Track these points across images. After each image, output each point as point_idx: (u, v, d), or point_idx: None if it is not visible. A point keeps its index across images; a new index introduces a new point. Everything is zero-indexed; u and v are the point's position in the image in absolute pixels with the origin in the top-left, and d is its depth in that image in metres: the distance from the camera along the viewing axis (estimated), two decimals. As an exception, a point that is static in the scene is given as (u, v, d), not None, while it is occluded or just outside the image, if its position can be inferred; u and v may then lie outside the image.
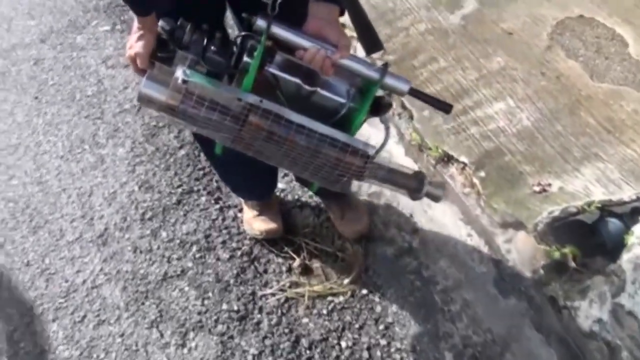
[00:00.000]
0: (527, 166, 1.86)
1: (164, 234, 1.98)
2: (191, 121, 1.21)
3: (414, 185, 1.38)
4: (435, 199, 1.41)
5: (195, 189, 2.10)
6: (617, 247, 1.70)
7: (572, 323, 1.61)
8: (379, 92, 1.29)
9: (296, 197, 2.03)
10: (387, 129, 1.31)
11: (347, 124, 1.30)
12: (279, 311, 1.74)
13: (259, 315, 1.73)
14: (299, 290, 1.76)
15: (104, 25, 2.99)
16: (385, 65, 1.26)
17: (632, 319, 1.57)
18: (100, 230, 2.02)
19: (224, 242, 1.92)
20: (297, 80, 1.26)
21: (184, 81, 1.18)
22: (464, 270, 1.73)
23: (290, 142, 1.22)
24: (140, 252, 1.94)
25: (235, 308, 1.76)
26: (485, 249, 1.75)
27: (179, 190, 2.10)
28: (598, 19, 2.49)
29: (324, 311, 1.72)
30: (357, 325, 1.69)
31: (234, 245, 1.91)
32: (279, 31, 1.19)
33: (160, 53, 1.30)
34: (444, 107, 1.31)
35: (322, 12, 1.24)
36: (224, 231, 1.95)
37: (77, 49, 2.87)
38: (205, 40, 1.22)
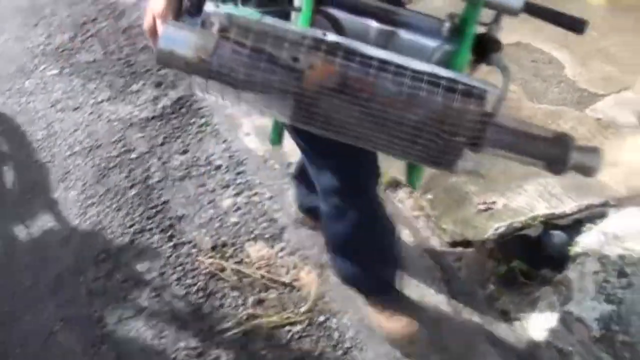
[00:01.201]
0: (472, 186, 1.92)
1: (118, 275, 1.96)
2: (230, 78, 0.88)
3: (556, 152, 0.93)
4: (587, 171, 0.94)
5: (148, 227, 2.08)
6: (562, 258, 1.76)
7: (525, 334, 1.66)
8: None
9: (250, 229, 2.04)
10: (504, 69, 0.93)
11: None
12: (238, 345, 1.72)
13: (217, 351, 1.72)
14: (257, 322, 1.76)
15: (52, 69, 2.98)
16: None
17: (581, 325, 1.62)
18: (54, 275, 1.98)
19: (178, 279, 1.90)
20: (369, 22, 0.93)
21: (218, 21, 0.87)
22: (417, 290, 1.75)
23: (371, 88, 0.85)
24: (95, 294, 1.91)
25: (193, 345, 1.74)
26: (436, 269, 1.79)
27: (132, 229, 2.08)
28: (535, 44, 2.61)
29: (283, 341, 1.72)
30: (316, 353, 1.69)
31: (189, 281, 1.89)
32: None
33: (185, 16, 1.07)
34: (577, 24, 0.95)
35: None
36: (179, 268, 1.93)
37: (26, 94, 2.85)
38: None
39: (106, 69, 2.88)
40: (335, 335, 1.72)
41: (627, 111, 2.27)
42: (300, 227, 1.97)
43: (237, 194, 2.17)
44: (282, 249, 1.95)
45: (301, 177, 1.73)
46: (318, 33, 0.86)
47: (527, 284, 1.74)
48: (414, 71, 0.85)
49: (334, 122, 0.90)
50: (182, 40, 0.88)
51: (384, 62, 0.85)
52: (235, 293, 1.84)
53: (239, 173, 2.25)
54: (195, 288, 1.87)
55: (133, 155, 2.38)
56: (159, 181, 2.25)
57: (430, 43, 0.93)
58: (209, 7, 0.88)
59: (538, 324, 1.67)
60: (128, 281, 1.93)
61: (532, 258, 1.77)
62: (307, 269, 1.87)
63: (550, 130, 0.96)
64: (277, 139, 1.10)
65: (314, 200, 1.74)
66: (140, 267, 1.96)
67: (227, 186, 2.20)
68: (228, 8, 0.88)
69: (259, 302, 1.81)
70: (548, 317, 1.67)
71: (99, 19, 3.22)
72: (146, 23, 1.09)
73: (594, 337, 1.58)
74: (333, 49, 0.85)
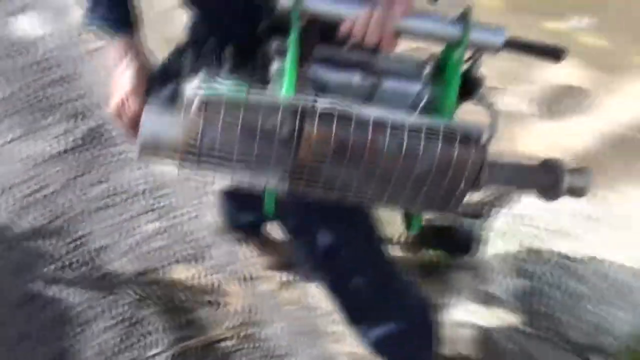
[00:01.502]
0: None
1: (42, 315, 1.89)
2: (223, 159, 0.84)
3: (550, 180, 0.97)
4: (580, 192, 0.97)
5: (69, 263, 2.02)
6: (476, 242, 1.84)
7: (448, 318, 1.71)
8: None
9: (174, 251, 2.02)
10: (490, 106, 0.94)
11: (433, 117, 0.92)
12: (169, 369, 1.71)
13: (149, 379, 1.69)
14: (186, 344, 1.74)
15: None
16: (467, 12, 0.90)
17: (500, 302, 1.69)
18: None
19: (103, 311, 1.86)
20: (351, 75, 0.92)
21: (201, 103, 0.81)
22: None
23: (371, 150, 0.84)
24: (21, 338, 1.84)
25: (124, 376, 1.71)
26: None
27: (52, 267, 2.02)
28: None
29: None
30: (250, 366, 1.69)
31: (114, 312, 1.85)
32: (311, 2, 0.85)
33: (157, 94, 0.98)
34: (557, 53, 0.97)
35: None
36: (102, 300, 1.89)
37: None
38: (214, 58, 0.91)
39: (14, 107, 2.79)
40: (267, 345, 1.72)
41: (527, 101, 2.41)
42: (224, 243, 1.97)
43: (159, 218, 2.14)
44: (206, 268, 1.94)
45: (230, 193, 1.73)
46: (309, 100, 0.83)
47: (446, 271, 1.80)
48: (411, 125, 0.85)
49: (335, 187, 0.88)
50: (166, 126, 0.83)
51: (379, 122, 0.84)
52: (163, 317, 1.82)
53: (159, 196, 2.22)
54: (121, 318, 1.83)
55: (49, 191, 2.32)
56: (78, 214, 2.20)
57: (414, 88, 0.94)
58: (190, 89, 0.83)
59: (460, 307, 1.73)
60: (53, 321, 1.87)
61: (448, 246, 1.84)
62: (233, 284, 1.87)
63: (540, 159, 1.00)
64: (272, 210, 1.02)
65: (242, 217, 1.75)
66: (64, 304, 1.91)
67: (149, 211, 2.17)
68: (210, 87, 0.84)
69: (188, 323, 1.79)
70: (469, 299, 1.73)
71: (1, 56, 3.12)
72: (113, 103, 0.98)
73: (513, 312, 1.66)
74: (327, 115, 0.83)
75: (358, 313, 1.33)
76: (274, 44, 0.90)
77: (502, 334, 1.63)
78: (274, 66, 0.90)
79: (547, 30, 2.82)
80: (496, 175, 0.92)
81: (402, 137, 0.83)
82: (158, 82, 0.96)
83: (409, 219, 1.06)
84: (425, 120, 0.86)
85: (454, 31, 0.89)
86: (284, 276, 1.88)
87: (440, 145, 0.84)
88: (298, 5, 0.84)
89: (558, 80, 2.55)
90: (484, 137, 0.87)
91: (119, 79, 0.96)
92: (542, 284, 1.70)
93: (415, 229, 1.04)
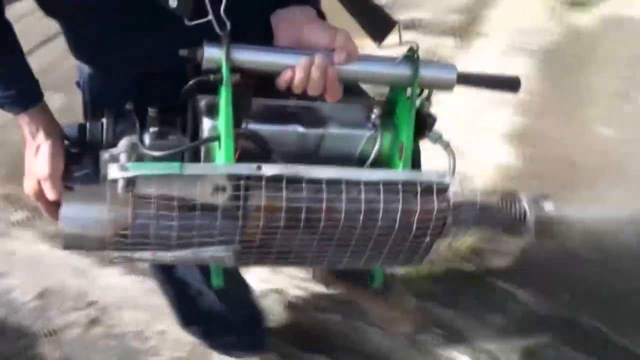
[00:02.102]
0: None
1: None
2: (160, 243, 0.73)
3: (518, 219, 0.94)
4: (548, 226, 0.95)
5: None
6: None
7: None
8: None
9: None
10: (447, 146, 0.86)
11: (386, 165, 0.86)
12: None
13: None
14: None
15: None
16: (413, 49, 0.82)
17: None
18: None
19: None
20: (294, 128, 0.82)
21: (128, 181, 0.69)
22: (148, 310, 1.72)
23: (328, 214, 0.75)
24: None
25: None
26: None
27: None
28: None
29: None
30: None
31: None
32: (243, 54, 0.75)
33: (75, 172, 0.81)
34: (512, 84, 0.89)
35: (293, 15, 0.83)
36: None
37: None
38: (137, 123, 0.79)
39: None
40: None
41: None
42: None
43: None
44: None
45: None
46: (252, 168, 0.73)
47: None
48: (367, 182, 0.77)
49: (290, 255, 0.80)
50: (91, 218, 0.74)
51: (333, 182, 0.76)
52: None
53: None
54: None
55: None
56: None
57: (363, 135, 0.84)
58: (113, 172, 0.70)
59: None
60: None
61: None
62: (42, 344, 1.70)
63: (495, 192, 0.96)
64: (221, 281, 0.93)
65: None
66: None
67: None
68: (136, 161, 0.73)
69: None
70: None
71: None
72: (29, 187, 0.84)
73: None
74: (274, 181, 0.74)
75: None
76: (203, 102, 0.79)
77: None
78: (205, 126, 0.79)
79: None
80: (462, 222, 0.91)
81: (359, 196, 0.76)
82: (74, 155, 0.83)
83: (371, 274, 0.99)
84: (381, 174, 0.79)
85: (404, 72, 0.81)
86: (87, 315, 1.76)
87: (401, 198, 0.78)
88: (228, 59, 0.73)
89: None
90: (446, 184, 0.81)
91: (33, 161, 0.83)
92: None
93: (378, 282, 0.97)
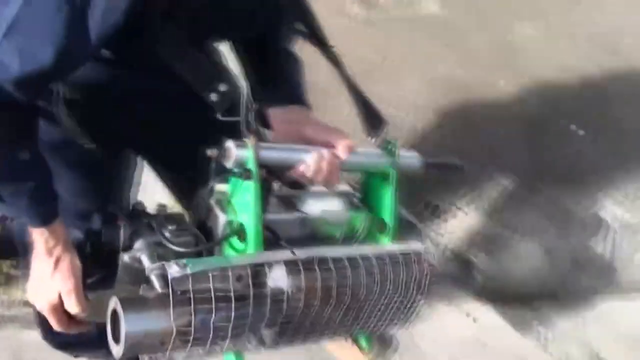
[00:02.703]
0: None
1: None
2: (216, 337, 0.77)
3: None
4: None
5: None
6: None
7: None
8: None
9: None
10: (415, 226, 1.02)
11: (370, 240, 0.98)
12: None
13: None
14: None
15: None
16: (392, 143, 0.97)
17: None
18: None
19: None
20: (292, 215, 0.93)
21: (185, 280, 0.72)
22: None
23: (354, 288, 0.86)
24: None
25: None
26: None
27: None
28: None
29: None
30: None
31: None
32: (270, 153, 0.85)
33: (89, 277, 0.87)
34: (459, 168, 1.10)
35: (294, 115, 0.97)
36: None
37: None
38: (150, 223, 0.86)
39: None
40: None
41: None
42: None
43: None
44: None
45: None
46: (287, 254, 0.82)
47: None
48: (377, 255, 0.88)
49: (316, 330, 0.88)
50: (152, 324, 0.74)
51: (351, 258, 0.86)
52: None
53: None
54: None
55: None
56: None
57: (348, 216, 0.96)
58: (173, 270, 0.73)
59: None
60: None
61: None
62: None
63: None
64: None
65: None
66: None
67: None
68: (191, 263, 0.75)
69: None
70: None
71: None
72: (46, 301, 0.86)
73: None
74: (308, 263, 0.82)
75: None
76: (216, 197, 0.87)
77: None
78: (221, 220, 0.86)
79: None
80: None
81: (373, 268, 0.87)
82: (87, 263, 0.87)
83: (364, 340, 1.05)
84: (384, 248, 0.92)
85: (385, 162, 0.95)
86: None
87: (403, 268, 0.89)
88: (257, 158, 0.81)
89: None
90: (428, 252, 0.94)
91: (51, 275, 0.86)
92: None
93: (369, 347, 1.03)
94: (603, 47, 2.46)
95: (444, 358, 1.73)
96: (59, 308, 0.86)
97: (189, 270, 0.73)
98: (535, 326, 1.76)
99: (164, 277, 0.75)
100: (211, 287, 0.74)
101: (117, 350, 0.74)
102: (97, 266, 0.86)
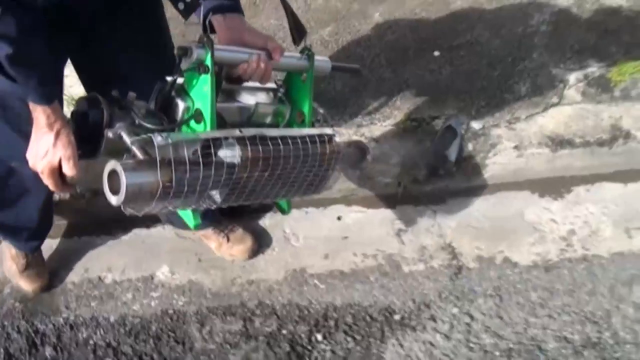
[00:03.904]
0: None
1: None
2: (188, 191, 0.99)
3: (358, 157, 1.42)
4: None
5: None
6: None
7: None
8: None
9: None
10: (317, 110, 1.29)
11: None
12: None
13: None
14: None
15: None
16: (309, 49, 1.21)
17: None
18: None
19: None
20: (234, 104, 1.16)
21: (168, 146, 0.95)
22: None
23: (284, 157, 1.08)
24: None
25: None
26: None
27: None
28: None
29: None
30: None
31: None
32: (222, 53, 1.07)
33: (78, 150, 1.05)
34: (357, 71, 1.45)
35: (234, 22, 1.16)
36: None
37: None
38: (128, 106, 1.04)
39: None
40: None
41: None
42: None
43: None
44: None
45: None
46: (237, 132, 1.04)
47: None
48: (301, 136, 1.11)
49: (254, 193, 1.11)
50: (143, 173, 0.95)
51: (282, 138, 1.09)
52: None
53: None
54: None
55: None
56: None
57: (274, 107, 1.22)
58: (158, 140, 0.94)
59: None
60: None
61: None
62: None
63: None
64: (198, 222, 1.21)
65: None
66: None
67: None
68: (170, 136, 0.96)
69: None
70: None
71: None
72: (45, 165, 1.03)
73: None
74: (252, 139, 1.05)
75: None
76: (176, 88, 1.08)
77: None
78: (180, 106, 1.08)
79: None
80: (342, 153, 1.26)
81: (298, 145, 1.11)
82: (77, 139, 1.05)
83: (282, 203, 1.35)
84: (306, 131, 1.17)
85: (305, 64, 1.21)
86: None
87: (318, 145, 1.14)
88: (213, 55, 1.03)
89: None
90: (335, 135, 1.20)
91: (52, 144, 1.03)
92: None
93: (288, 209, 1.34)
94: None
95: (314, 251, 2.06)
96: (57, 172, 1.05)
97: (170, 140, 0.96)
98: (395, 223, 2.12)
99: (144, 148, 0.97)
100: (185, 154, 0.97)
101: (116, 199, 0.96)
102: (85, 141, 1.04)
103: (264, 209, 2.16)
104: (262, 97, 1.21)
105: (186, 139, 0.99)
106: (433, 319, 1.86)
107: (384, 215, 2.14)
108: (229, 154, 1.03)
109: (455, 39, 2.52)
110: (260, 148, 1.05)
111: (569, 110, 2.22)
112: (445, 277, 1.96)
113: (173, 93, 1.08)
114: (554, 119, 2.21)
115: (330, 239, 2.08)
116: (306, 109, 1.23)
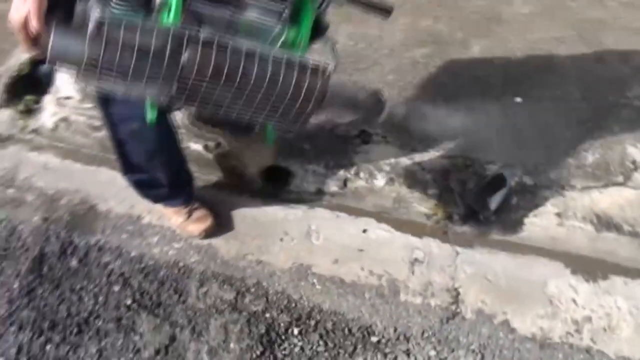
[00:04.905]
0: None
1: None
2: (119, 75, 0.99)
3: (375, 106, 1.30)
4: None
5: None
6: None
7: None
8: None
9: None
10: (333, 47, 1.20)
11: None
12: None
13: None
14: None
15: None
16: None
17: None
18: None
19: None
20: (223, 12, 1.10)
21: (101, 23, 0.95)
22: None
23: (243, 75, 1.02)
24: None
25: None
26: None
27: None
28: None
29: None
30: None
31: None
32: None
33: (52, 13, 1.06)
34: (386, 10, 1.23)
35: None
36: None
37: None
38: None
39: None
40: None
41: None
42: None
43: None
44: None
45: None
46: (193, 29, 1.01)
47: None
48: (275, 57, 1.04)
49: (210, 103, 1.06)
50: (73, 44, 0.97)
51: (249, 52, 1.02)
52: None
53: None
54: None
55: None
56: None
57: (275, 27, 1.13)
58: (94, 13, 0.97)
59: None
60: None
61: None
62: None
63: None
64: (154, 116, 1.26)
65: None
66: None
67: None
68: (110, 12, 0.98)
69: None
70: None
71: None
72: (16, 17, 1.07)
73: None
74: (208, 43, 1.00)
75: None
76: None
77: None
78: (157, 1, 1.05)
79: None
80: (337, 94, 1.21)
81: (267, 66, 1.03)
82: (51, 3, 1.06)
83: (265, 134, 1.32)
84: (285, 53, 1.07)
85: None
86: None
87: (296, 73, 1.05)
88: None
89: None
90: (328, 70, 1.08)
91: (20, 1, 1.06)
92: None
93: (270, 140, 1.32)
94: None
95: (327, 252, 2.12)
96: (25, 26, 1.07)
97: (107, 19, 0.96)
98: (414, 252, 2.13)
99: (98, 23, 0.97)
100: (121, 37, 0.96)
101: (47, 57, 0.99)
102: (59, 11, 1.05)
103: (301, 201, 2.28)
104: (263, 14, 1.13)
105: (127, 21, 0.98)
106: (407, 353, 1.86)
107: (408, 241, 2.15)
108: (176, 50, 1.00)
109: (543, 89, 2.42)
110: (213, 54, 1.00)
111: (630, 194, 2.06)
112: (436, 317, 1.94)
113: None
114: (611, 197, 2.07)
115: (348, 247, 2.14)
116: (304, 33, 1.14)
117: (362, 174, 2.26)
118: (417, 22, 2.78)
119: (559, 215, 2.06)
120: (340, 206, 2.26)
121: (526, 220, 2.11)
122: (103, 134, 2.24)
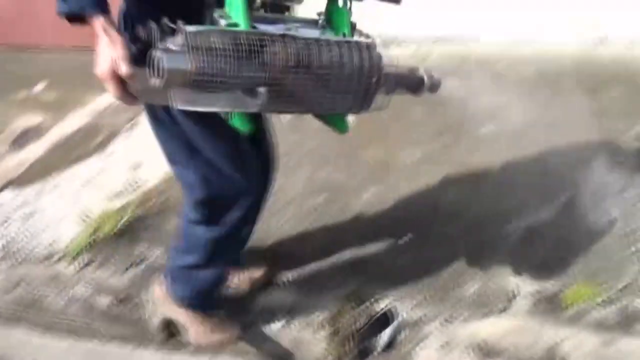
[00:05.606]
0: None
1: None
2: (219, 81, 1.07)
3: (418, 83, 1.35)
4: (436, 88, 1.36)
5: None
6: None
7: None
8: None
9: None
10: (368, 36, 1.29)
11: None
12: None
13: None
14: None
15: None
16: None
17: None
18: None
19: None
20: (276, 28, 1.20)
21: (198, 35, 1.05)
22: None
23: (319, 60, 1.14)
24: None
25: None
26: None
27: None
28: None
29: None
30: None
31: None
32: None
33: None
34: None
35: None
36: None
37: None
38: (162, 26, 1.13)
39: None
40: None
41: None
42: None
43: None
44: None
45: None
46: (268, 29, 1.15)
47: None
48: (337, 41, 1.19)
49: (295, 96, 1.15)
50: (179, 57, 1.06)
51: (316, 40, 1.15)
52: None
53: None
54: None
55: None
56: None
57: (316, 33, 1.25)
58: (190, 27, 1.07)
59: None
60: None
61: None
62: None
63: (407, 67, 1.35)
64: (250, 125, 1.25)
65: None
66: None
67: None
68: (204, 27, 1.09)
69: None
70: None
71: None
72: (104, 67, 1.12)
73: None
74: (280, 37, 1.13)
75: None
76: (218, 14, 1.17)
77: None
78: (216, 13, 1.17)
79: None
80: (389, 71, 1.27)
81: (335, 49, 1.16)
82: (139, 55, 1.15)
83: (336, 123, 1.36)
84: (340, 37, 1.22)
85: None
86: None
87: (358, 52, 1.18)
88: None
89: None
90: (377, 45, 1.21)
91: (107, 49, 1.12)
92: None
93: (345, 129, 1.34)
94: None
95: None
96: (115, 73, 1.12)
97: (201, 28, 1.07)
98: None
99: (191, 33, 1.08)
100: (216, 44, 1.07)
101: (158, 82, 1.07)
102: (137, 59, 1.14)
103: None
104: (305, 24, 1.28)
105: (216, 28, 1.10)
106: None
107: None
108: (265, 50, 1.11)
109: (429, 228, 2.57)
110: (292, 46, 1.12)
111: (509, 323, 2.12)
112: None
113: (215, 15, 1.16)
114: (492, 327, 2.12)
115: None
116: (346, 30, 1.26)
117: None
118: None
119: (442, 347, 2.09)
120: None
121: (413, 353, 2.12)
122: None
